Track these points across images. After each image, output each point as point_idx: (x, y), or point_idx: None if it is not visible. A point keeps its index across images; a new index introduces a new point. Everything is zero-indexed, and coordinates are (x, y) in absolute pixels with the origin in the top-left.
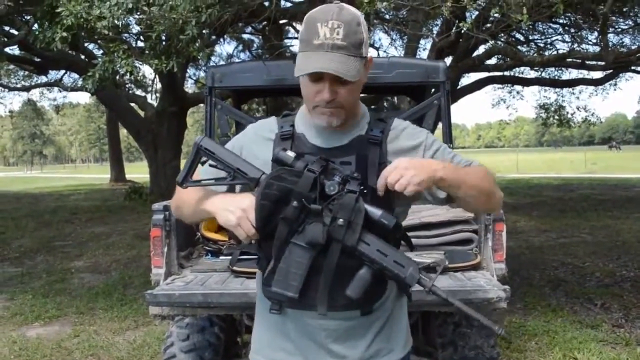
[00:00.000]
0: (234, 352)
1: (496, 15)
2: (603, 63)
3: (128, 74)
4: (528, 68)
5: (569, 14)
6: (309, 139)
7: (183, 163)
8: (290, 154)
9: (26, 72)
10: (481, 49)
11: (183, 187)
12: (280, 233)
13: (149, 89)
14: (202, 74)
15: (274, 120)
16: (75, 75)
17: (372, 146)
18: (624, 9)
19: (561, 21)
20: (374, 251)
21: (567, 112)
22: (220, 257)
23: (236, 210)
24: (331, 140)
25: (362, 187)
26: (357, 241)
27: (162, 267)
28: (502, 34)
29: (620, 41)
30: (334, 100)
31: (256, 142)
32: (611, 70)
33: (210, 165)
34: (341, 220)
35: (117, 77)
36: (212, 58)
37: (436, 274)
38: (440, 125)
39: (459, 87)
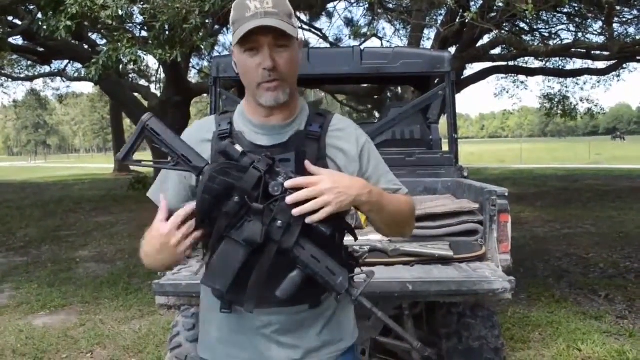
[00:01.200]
0: None
1: (501, 4)
2: (608, 53)
3: (132, 63)
4: (532, 58)
5: (574, 4)
6: (248, 137)
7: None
8: (238, 148)
9: (29, 62)
10: (485, 39)
11: (123, 163)
12: (218, 227)
13: (153, 79)
14: (205, 63)
15: (212, 119)
16: (78, 65)
17: (310, 142)
18: None
19: (566, 10)
20: (308, 256)
21: (571, 103)
22: None
23: (160, 241)
24: (271, 137)
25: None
26: (294, 244)
27: None
28: (507, 24)
29: (625, 31)
30: (275, 70)
31: (194, 145)
32: (615, 61)
33: (153, 147)
34: (280, 222)
35: (121, 66)
36: (216, 48)
37: (364, 284)
38: (444, 115)
39: (462, 77)
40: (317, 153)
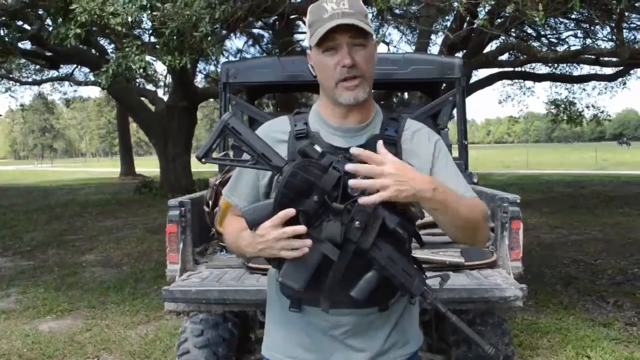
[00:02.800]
0: (247, 348)
1: (510, 10)
2: (616, 59)
3: (141, 69)
4: (540, 64)
5: (583, 9)
6: (325, 137)
7: (193, 157)
8: (318, 148)
9: (37, 66)
10: (493, 45)
11: (202, 162)
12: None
13: (160, 83)
14: (212, 68)
15: (285, 119)
16: (86, 69)
17: (387, 146)
18: (637, 5)
19: (574, 16)
20: (384, 257)
21: (578, 109)
22: None
23: (266, 242)
24: (348, 139)
25: None
26: (371, 245)
27: (177, 263)
28: (515, 30)
29: (633, 37)
30: (355, 67)
31: (269, 144)
32: (622, 67)
33: (233, 146)
34: (358, 222)
35: (130, 72)
36: (223, 53)
37: (440, 287)
38: (454, 120)
39: (469, 82)
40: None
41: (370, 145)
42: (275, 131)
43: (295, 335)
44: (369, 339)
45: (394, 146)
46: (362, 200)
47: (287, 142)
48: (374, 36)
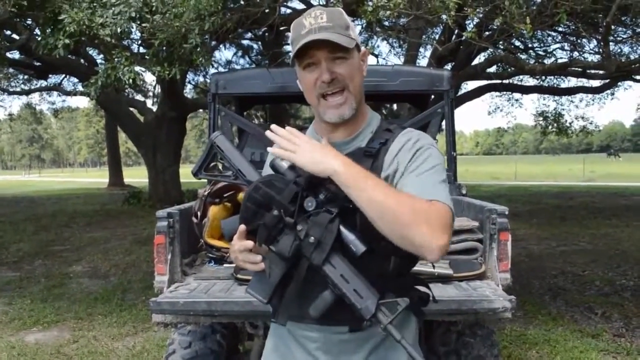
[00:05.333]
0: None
1: (498, 24)
2: (603, 72)
3: (130, 80)
4: (528, 76)
5: (570, 23)
6: None
7: (182, 168)
8: (285, 164)
9: (26, 76)
10: (481, 57)
11: (196, 178)
12: (259, 238)
13: (149, 94)
14: (201, 79)
15: None
16: (75, 79)
17: (365, 159)
18: (623, 19)
19: (561, 29)
20: (337, 275)
21: (566, 121)
22: (224, 265)
23: (233, 253)
24: None
25: (350, 206)
26: (324, 261)
27: (165, 275)
28: (502, 42)
29: (619, 50)
30: (336, 81)
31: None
32: (608, 80)
33: (219, 161)
34: (312, 238)
35: (119, 83)
36: (212, 64)
37: (396, 313)
38: (443, 132)
39: (458, 94)
40: (370, 171)
41: (351, 157)
42: None
43: (280, 344)
44: None
45: (374, 158)
46: (271, 149)
47: None
48: (362, 46)
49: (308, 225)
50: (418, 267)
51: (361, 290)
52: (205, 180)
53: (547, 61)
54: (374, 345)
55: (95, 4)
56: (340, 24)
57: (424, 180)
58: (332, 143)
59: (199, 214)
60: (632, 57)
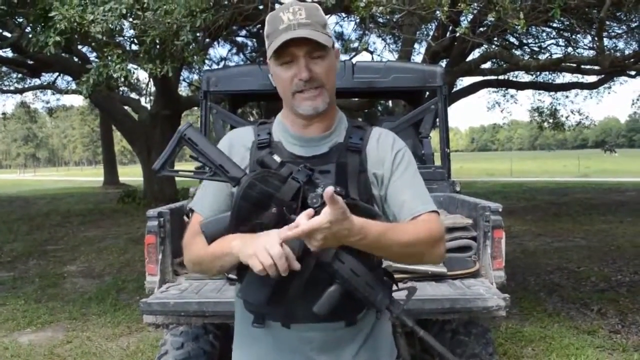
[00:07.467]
0: None
1: (492, 19)
2: (598, 67)
3: (123, 78)
4: (522, 72)
5: (564, 18)
6: (287, 147)
7: (177, 166)
8: (277, 158)
9: (20, 75)
10: (476, 53)
11: (159, 175)
12: None
13: (143, 92)
14: (195, 77)
15: (249, 129)
16: (69, 78)
17: (351, 154)
18: (618, 14)
19: (555, 25)
20: (347, 270)
21: (562, 115)
22: None
23: (261, 253)
24: (309, 149)
25: (348, 201)
26: (333, 258)
27: (156, 275)
28: (497, 38)
29: (614, 45)
30: (313, 80)
31: (232, 151)
32: (603, 75)
33: (191, 157)
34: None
35: (112, 80)
36: (206, 61)
37: (406, 301)
38: (437, 129)
39: (453, 90)
40: (359, 166)
41: (334, 153)
42: (240, 138)
43: (261, 352)
44: (337, 356)
45: (359, 154)
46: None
47: (249, 152)
48: (335, 45)
49: None
50: (412, 266)
51: (373, 283)
52: (199, 179)
53: (542, 57)
54: (365, 336)
55: (86, 1)
56: (318, 20)
57: (415, 187)
58: (309, 138)
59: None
60: (626, 52)
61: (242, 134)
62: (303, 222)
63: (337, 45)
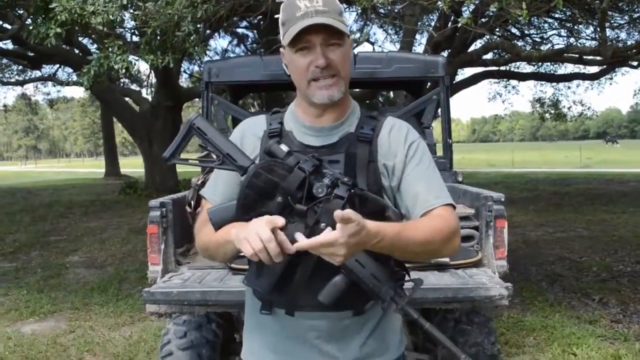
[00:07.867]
0: (232, 349)
1: (494, 9)
2: (600, 58)
3: (123, 69)
4: (524, 63)
5: (566, 9)
6: (297, 136)
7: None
8: (284, 148)
9: (20, 67)
10: (477, 43)
11: (169, 163)
12: None
13: (144, 83)
14: (196, 68)
15: (262, 117)
16: (69, 69)
17: (361, 144)
18: (620, 4)
19: (557, 15)
20: (352, 261)
21: (564, 106)
22: None
23: (252, 238)
24: (320, 138)
25: (352, 191)
26: None
27: (159, 264)
28: (499, 29)
29: (616, 36)
30: (330, 67)
31: (244, 140)
32: (605, 66)
33: (200, 146)
34: (324, 224)
35: (113, 72)
36: (207, 53)
37: (410, 292)
38: (438, 119)
39: (455, 81)
40: (368, 156)
41: (343, 142)
42: (252, 127)
43: (269, 339)
44: (344, 346)
45: (369, 144)
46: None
47: (260, 139)
48: (350, 34)
49: (319, 212)
50: None
51: (378, 274)
52: (200, 169)
53: (544, 47)
54: (372, 326)
55: None
56: (335, 9)
57: (429, 179)
58: (320, 127)
59: (192, 203)
60: (628, 42)
61: (254, 123)
62: (322, 236)
63: (352, 35)
